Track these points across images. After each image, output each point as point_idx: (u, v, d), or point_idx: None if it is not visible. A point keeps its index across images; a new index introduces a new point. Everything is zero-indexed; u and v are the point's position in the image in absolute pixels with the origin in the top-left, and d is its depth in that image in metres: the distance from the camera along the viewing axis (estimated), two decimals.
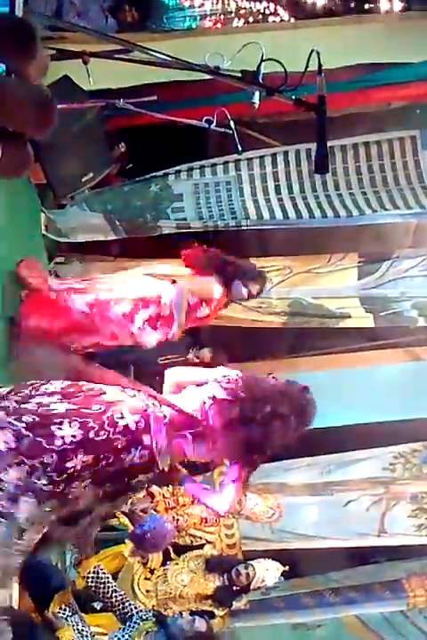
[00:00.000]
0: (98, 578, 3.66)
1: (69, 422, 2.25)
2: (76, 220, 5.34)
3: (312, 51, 2.45)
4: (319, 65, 2.49)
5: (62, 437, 2.23)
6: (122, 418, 2.35)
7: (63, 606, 3.48)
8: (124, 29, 5.74)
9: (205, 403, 2.42)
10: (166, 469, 2.39)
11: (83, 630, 3.40)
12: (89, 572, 3.61)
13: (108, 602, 3.65)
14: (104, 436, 2.29)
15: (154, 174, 5.51)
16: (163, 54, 2.47)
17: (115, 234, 5.45)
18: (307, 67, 2.49)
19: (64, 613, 3.44)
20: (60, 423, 2.25)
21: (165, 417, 2.41)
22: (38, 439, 2.19)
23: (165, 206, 5.51)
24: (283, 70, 3.40)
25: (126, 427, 2.34)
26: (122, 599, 3.65)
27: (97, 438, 2.27)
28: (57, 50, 3.35)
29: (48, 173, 4.69)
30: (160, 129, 5.06)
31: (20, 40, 0.47)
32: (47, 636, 3.22)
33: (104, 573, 3.70)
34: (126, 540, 4.49)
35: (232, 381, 2.51)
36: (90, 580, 3.64)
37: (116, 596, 3.65)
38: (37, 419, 2.23)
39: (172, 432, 2.40)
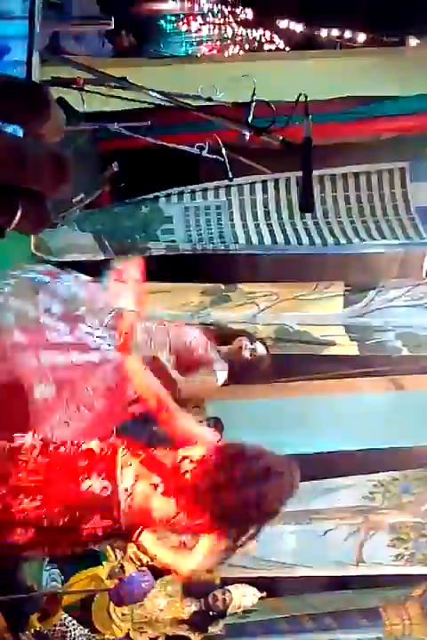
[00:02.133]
0: (64, 628, 3.65)
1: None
2: (65, 239, 5.36)
3: (300, 94, 2.49)
4: (306, 107, 2.54)
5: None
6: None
7: (37, 628, 3.47)
8: (121, 54, 5.79)
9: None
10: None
11: None
12: (56, 625, 3.59)
13: None
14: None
15: (145, 197, 5.55)
16: (152, 90, 2.50)
17: (104, 254, 5.48)
18: (295, 106, 2.53)
19: (38, 635, 3.43)
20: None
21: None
22: None
23: (155, 228, 5.55)
24: (276, 99, 3.47)
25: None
26: (89, 639, 3.68)
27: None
28: (53, 77, 3.39)
29: None
30: (152, 152, 5.11)
31: (35, 105, 0.50)
32: None
33: (70, 622, 3.69)
34: (103, 562, 4.49)
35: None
36: (56, 632, 3.62)
37: (82, 639, 3.67)
38: None
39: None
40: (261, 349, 4.12)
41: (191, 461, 2.33)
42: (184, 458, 2.34)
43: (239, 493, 2.26)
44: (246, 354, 3.71)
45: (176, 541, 2.63)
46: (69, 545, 2.41)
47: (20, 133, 0.57)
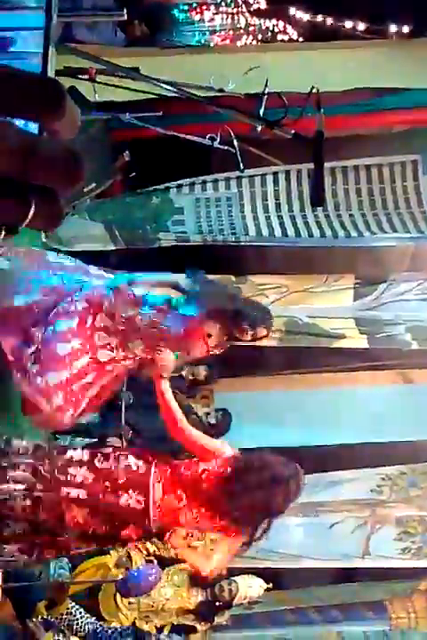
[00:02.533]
0: (71, 616, 3.68)
1: None
2: (76, 229, 5.36)
3: (312, 87, 2.47)
4: (318, 101, 2.51)
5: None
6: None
7: (45, 615, 3.50)
8: (134, 43, 5.77)
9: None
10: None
11: None
12: (63, 614, 3.62)
13: (83, 634, 3.69)
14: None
15: (156, 187, 5.55)
16: (164, 81, 2.49)
17: (114, 244, 5.49)
18: (306, 101, 2.51)
19: (45, 623, 3.46)
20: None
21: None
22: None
23: (166, 219, 5.55)
24: (289, 90, 3.44)
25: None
26: (96, 627, 3.70)
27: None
28: (65, 66, 3.38)
29: None
30: (164, 142, 5.10)
31: (50, 100, 0.49)
32: None
33: (77, 610, 3.72)
34: (111, 551, 4.51)
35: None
36: (63, 620, 3.64)
37: (89, 627, 3.69)
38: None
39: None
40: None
41: (210, 473, 2.71)
42: (204, 471, 2.71)
43: (251, 499, 2.65)
44: None
45: (199, 543, 3.25)
46: (107, 545, 3.02)
47: (35, 129, 0.57)
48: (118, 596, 4.15)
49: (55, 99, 0.56)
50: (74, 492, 2.61)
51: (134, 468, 2.70)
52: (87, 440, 4.59)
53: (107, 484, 2.66)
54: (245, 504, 2.65)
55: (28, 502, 2.57)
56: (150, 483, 2.68)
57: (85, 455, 2.67)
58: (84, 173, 0.57)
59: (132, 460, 2.73)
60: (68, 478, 2.63)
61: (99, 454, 2.72)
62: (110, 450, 2.78)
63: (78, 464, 2.65)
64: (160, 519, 2.71)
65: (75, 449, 2.71)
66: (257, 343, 5.77)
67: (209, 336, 3.31)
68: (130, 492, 2.66)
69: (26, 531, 2.60)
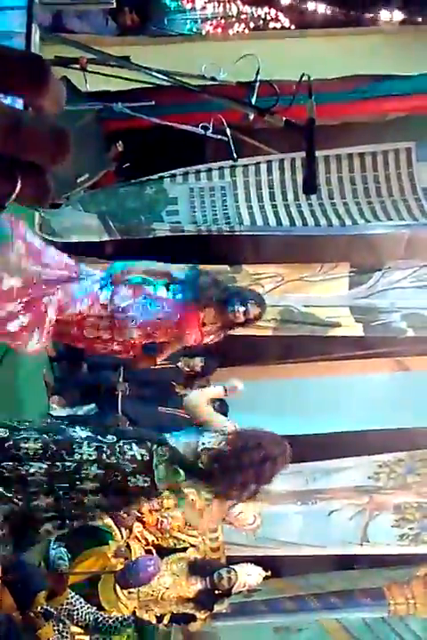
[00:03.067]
0: (71, 606, 3.68)
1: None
2: (70, 220, 5.35)
3: (303, 74, 2.46)
4: (309, 88, 2.50)
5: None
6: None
7: (45, 606, 3.50)
8: (125, 32, 5.74)
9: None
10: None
11: (63, 630, 3.43)
12: (63, 604, 3.63)
13: (84, 623, 3.70)
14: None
15: (149, 177, 5.53)
16: (155, 70, 2.48)
17: (108, 235, 5.47)
18: (297, 88, 2.50)
19: (45, 613, 3.46)
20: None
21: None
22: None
23: (160, 209, 5.53)
24: (281, 78, 3.43)
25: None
26: (96, 617, 3.71)
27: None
28: (56, 56, 3.36)
29: None
30: (157, 132, 5.08)
31: (34, 76, 0.49)
32: (27, 635, 3.24)
33: (76, 600, 3.72)
34: (110, 542, 4.52)
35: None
36: (63, 611, 3.65)
37: (89, 617, 3.70)
38: None
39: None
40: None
41: (208, 451, 2.89)
42: (203, 450, 2.89)
43: (244, 476, 2.88)
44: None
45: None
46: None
47: (20, 105, 0.57)
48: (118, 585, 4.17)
49: (39, 74, 0.56)
50: (89, 485, 2.79)
51: (139, 458, 2.85)
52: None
53: (116, 473, 2.83)
54: (237, 480, 2.88)
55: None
56: (153, 465, 2.85)
57: (93, 451, 2.79)
58: (70, 148, 0.57)
59: (135, 448, 2.85)
60: (81, 475, 2.78)
61: (103, 445, 2.82)
62: (113, 439, 2.84)
63: (89, 463, 2.79)
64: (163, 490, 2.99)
65: (80, 446, 2.79)
66: (253, 333, 5.83)
67: (204, 324, 3.35)
68: (137, 476, 2.84)
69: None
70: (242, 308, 3.41)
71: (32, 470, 2.70)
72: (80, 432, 2.82)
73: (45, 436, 2.76)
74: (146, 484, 2.85)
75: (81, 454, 2.76)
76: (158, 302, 3.25)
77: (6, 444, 2.69)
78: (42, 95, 0.56)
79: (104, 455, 2.80)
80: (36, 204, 0.62)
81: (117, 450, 2.82)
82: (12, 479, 2.71)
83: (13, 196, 0.57)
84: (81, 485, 2.77)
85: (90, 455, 2.77)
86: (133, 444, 2.85)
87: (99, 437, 2.83)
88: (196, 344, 3.41)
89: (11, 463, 2.69)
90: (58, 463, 2.73)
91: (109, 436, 2.85)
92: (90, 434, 2.83)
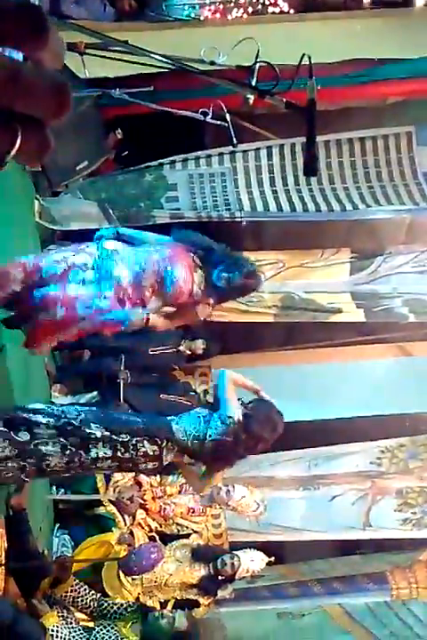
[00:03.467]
0: (75, 593, 3.69)
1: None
2: (69, 207, 5.33)
3: (303, 55, 2.44)
4: (310, 68, 2.48)
5: None
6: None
7: (49, 593, 3.51)
8: (123, 18, 5.70)
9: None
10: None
11: (68, 617, 3.43)
12: (67, 592, 3.63)
13: (88, 610, 3.71)
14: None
15: (149, 164, 5.50)
16: (155, 53, 2.46)
17: (108, 222, 5.45)
18: (299, 68, 2.48)
19: (49, 600, 3.48)
20: None
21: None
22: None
23: (159, 196, 5.51)
24: (280, 62, 3.40)
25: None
26: (100, 603, 3.72)
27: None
28: None
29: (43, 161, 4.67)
30: (156, 119, 5.05)
31: (33, 26, 0.48)
32: (32, 621, 3.24)
33: (81, 587, 3.73)
34: (113, 528, 4.53)
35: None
36: (68, 597, 3.66)
37: (93, 603, 3.71)
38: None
39: None
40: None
41: (212, 441, 3.01)
42: (210, 441, 3.01)
43: (239, 456, 3.14)
44: None
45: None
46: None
47: (19, 57, 0.55)
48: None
49: (39, 26, 0.54)
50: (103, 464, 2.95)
51: (150, 454, 2.95)
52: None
53: (129, 464, 3.01)
54: (232, 462, 3.18)
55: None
56: (162, 456, 2.99)
57: (108, 450, 2.88)
58: (71, 102, 0.56)
59: (147, 445, 2.94)
60: (97, 465, 2.93)
61: (117, 444, 2.90)
62: (127, 437, 2.90)
63: (103, 459, 2.88)
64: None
65: (96, 445, 2.86)
66: (254, 319, 5.83)
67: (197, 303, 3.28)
68: (147, 463, 3.00)
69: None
70: (225, 275, 3.21)
71: (52, 464, 2.80)
72: (95, 430, 2.85)
73: (62, 439, 2.81)
74: (154, 468, 3.03)
75: (97, 452, 2.86)
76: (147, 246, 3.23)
77: (27, 448, 2.74)
78: (41, 46, 0.54)
79: (119, 453, 2.89)
80: (35, 161, 0.61)
81: (131, 447, 2.90)
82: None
83: (13, 152, 0.56)
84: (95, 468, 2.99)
85: (105, 453, 2.87)
86: (145, 442, 2.93)
87: (113, 437, 2.87)
88: (186, 291, 3.19)
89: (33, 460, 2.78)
90: (76, 460, 2.84)
91: (123, 435, 2.88)
92: (105, 433, 2.86)
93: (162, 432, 2.99)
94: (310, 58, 2.73)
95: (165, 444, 2.97)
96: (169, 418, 3.08)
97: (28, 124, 0.55)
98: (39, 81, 0.54)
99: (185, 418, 3.07)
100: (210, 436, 2.98)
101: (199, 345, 5.55)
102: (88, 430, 2.84)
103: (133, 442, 2.92)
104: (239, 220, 5.62)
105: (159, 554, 4.09)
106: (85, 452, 2.84)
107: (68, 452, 2.80)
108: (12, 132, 0.55)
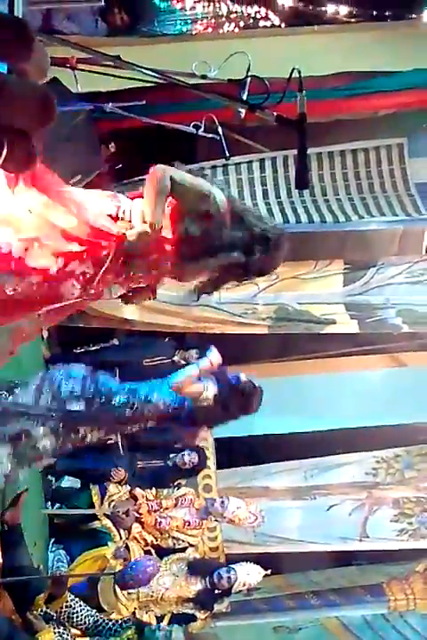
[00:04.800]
0: (71, 608, 3.66)
1: None
2: None
3: (293, 69, 2.45)
4: (300, 82, 2.49)
5: None
6: None
7: (44, 609, 3.49)
8: (115, 33, 5.74)
9: None
10: None
11: (63, 632, 3.41)
12: (62, 607, 3.61)
13: (83, 626, 3.68)
14: None
15: (142, 177, 5.50)
16: (146, 68, 2.47)
17: None
18: (289, 81, 2.49)
19: (45, 616, 3.45)
20: None
21: None
22: None
23: None
24: (272, 76, 3.42)
25: None
26: (96, 619, 3.69)
27: None
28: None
29: None
30: (149, 132, 5.07)
31: (17, 38, 0.48)
32: (27, 637, 3.22)
33: (76, 602, 3.70)
34: (109, 543, 4.51)
35: None
36: (63, 614, 3.63)
37: (89, 620, 3.68)
38: None
39: None
40: None
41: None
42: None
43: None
44: None
45: None
46: None
47: (3, 69, 0.56)
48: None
49: (23, 38, 0.55)
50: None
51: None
52: None
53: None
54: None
55: None
56: None
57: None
58: (55, 112, 0.57)
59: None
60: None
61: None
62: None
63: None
64: None
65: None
66: (249, 331, 5.82)
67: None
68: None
69: None
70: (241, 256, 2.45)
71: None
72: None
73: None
74: None
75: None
76: None
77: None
78: (25, 59, 0.55)
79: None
80: (21, 171, 0.62)
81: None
82: None
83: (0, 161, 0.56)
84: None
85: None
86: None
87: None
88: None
89: None
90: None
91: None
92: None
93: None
94: (299, 71, 2.75)
95: None
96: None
97: (13, 136, 0.56)
98: (24, 92, 0.55)
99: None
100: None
101: (193, 354, 5.54)
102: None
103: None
104: None
105: (155, 567, 4.07)
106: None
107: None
108: None
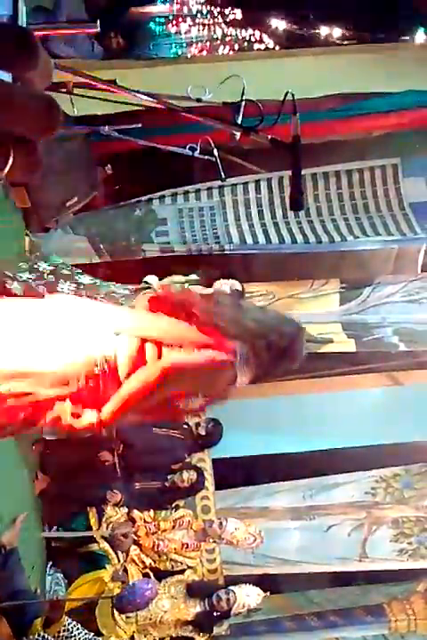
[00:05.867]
0: (68, 632, 3.63)
1: None
2: (59, 243, 5.36)
3: (287, 92, 2.48)
4: (294, 105, 2.52)
5: None
6: None
7: (41, 633, 3.46)
8: (111, 56, 5.80)
9: None
10: None
11: None
12: (60, 631, 3.58)
13: None
14: None
15: (138, 199, 5.55)
16: (142, 92, 2.50)
17: (99, 257, 5.49)
18: (283, 105, 2.52)
19: None
20: None
21: None
22: None
23: (149, 230, 5.56)
24: (266, 98, 3.46)
25: None
26: None
27: None
28: None
29: (33, 197, 4.72)
30: (145, 155, 5.12)
31: (22, 48, 0.49)
32: None
33: (73, 626, 3.67)
34: (107, 565, 4.48)
35: None
36: (61, 637, 3.60)
37: None
38: None
39: None
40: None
41: None
42: None
43: None
44: None
45: None
46: None
47: (8, 78, 0.57)
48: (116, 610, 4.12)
49: (28, 47, 0.56)
50: None
51: None
52: None
53: None
54: None
55: None
56: None
57: None
58: (60, 120, 0.57)
59: None
60: None
61: None
62: None
63: None
64: None
65: None
66: None
67: None
68: None
69: None
70: None
71: None
72: None
73: None
74: None
75: None
76: None
77: None
78: (30, 68, 0.56)
79: None
80: (26, 179, 0.62)
81: None
82: None
83: (5, 170, 0.57)
84: None
85: None
86: None
87: None
88: None
89: None
90: None
91: None
92: None
93: None
94: (293, 95, 2.78)
95: None
96: None
97: (19, 145, 0.57)
98: (29, 101, 0.56)
99: None
100: None
101: None
102: None
103: None
104: (229, 252, 5.67)
105: (153, 590, 4.04)
106: None
107: None
108: (5, 151, 0.56)
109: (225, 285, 3.58)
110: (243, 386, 2.39)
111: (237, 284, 4.41)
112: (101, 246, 5.43)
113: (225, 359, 2.23)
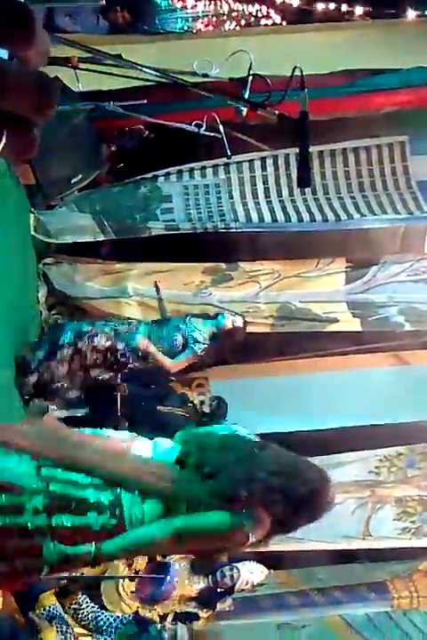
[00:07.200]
0: (78, 604, 3.67)
1: None
2: (64, 220, 5.34)
3: (295, 67, 2.45)
4: (302, 81, 2.49)
5: None
6: None
7: (47, 608, 3.49)
8: (116, 31, 5.74)
9: None
10: None
11: (67, 632, 3.41)
12: (72, 602, 3.62)
13: (86, 622, 3.70)
14: None
15: (143, 176, 5.52)
16: (148, 67, 2.47)
17: (103, 234, 5.47)
18: (291, 80, 2.49)
19: (48, 615, 3.45)
20: None
21: None
22: None
23: (155, 208, 5.53)
24: (273, 74, 3.43)
25: None
26: (97, 616, 3.71)
27: None
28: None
29: (37, 175, 4.70)
30: (150, 131, 5.08)
31: (19, 25, 0.48)
32: (30, 637, 3.22)
33: (83, 599, 3.71)
34: None
35: None
36: (70, 609, 3.65)
37: (91, 616, 3.70)
38: None
39: None
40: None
41: None
42: None
43: None
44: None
45: None
46: None
47: (4, 55, 0.55)
48: (121, 585, 4.15)
49: (26, 24, 0.55)
50: None
51: None
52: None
53: None
54: None
55: None
56: None
57: None
58: (56, 99, 0.56)
59: None
60: None
61: None
62: None
63: None
64: None
65: None
66: (251, 329, 5.83)
67: None
68: None
69: None
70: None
71: None
72: None
73: None
74: None
75: None
76: None
77: None
78: (28, 46, 0.54)
79: None
80: (21, 160, 0.61)
81: None
82: None
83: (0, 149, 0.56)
84: None
85: None
86: None
87: None
88: None
89: None
90: None
91: None
92: None
93: None
94: (301, 70, 2.74)
95: None
96: None
97: (13, 123, 0.55)
98: (25, 80, 0.54)
99: None
100: None
101: None
102: None
103: None
104: (235, 230, 5.64)
105: (174, 576, 4.09)
106: None
107: None
108: None
109: None
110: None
111: (238, 320, 4.74)
112: (106, 224, 5.41)
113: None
